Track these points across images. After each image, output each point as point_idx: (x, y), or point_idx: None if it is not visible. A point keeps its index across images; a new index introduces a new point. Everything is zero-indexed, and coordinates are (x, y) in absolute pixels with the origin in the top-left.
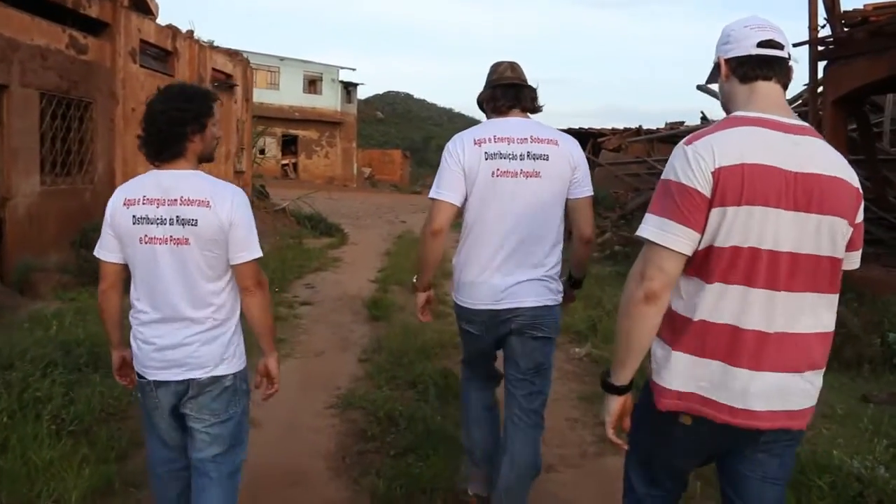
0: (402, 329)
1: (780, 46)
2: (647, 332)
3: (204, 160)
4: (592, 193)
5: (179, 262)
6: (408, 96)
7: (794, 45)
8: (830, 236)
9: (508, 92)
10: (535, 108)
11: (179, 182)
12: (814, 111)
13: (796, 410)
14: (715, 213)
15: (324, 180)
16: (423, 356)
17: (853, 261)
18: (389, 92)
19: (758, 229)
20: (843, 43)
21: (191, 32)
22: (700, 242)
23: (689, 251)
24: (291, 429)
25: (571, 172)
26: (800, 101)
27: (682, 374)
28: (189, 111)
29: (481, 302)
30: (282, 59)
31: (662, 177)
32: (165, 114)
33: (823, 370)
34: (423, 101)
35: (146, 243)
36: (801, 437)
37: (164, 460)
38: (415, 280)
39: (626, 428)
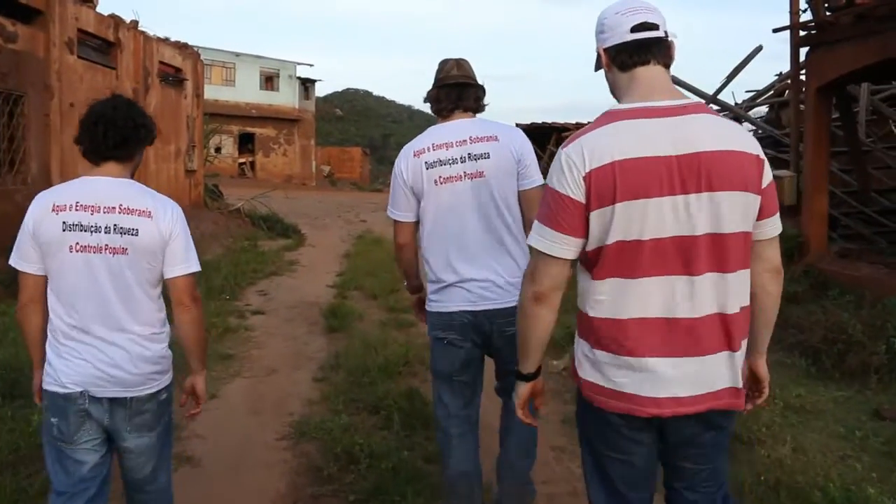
0: (361, 342)
1: (654, 27)
2: (542, 329)
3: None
4: (543, 182)
5: (114, 272)
6: (367, 93)
7: (775, 31)
8: (731, 211)
9: (452, 93)
10: (479, 108)
11: (117, 190)
12: (795, 100)
13: (720, 390)
14: (595, 214)
15: (282, 179)
16: (386, 375)
17: (770, 228)
18: (349, 89)
19: (642, 221)
20: (826, 28)
21: (135, 23)
22: (588, 244)
23: (570, 255)
24: (237, 466)
25: (516, 164)
26: (772, 92)
27: (601, 370)
28: (148, 121)
29: (456, 304)
30: (237, 54)
31: (546, 180)
32: (130, 117)
33: (744, 346)
34: (383, 98)
35: (78, 252)
36: (733, 416)
37: (75, 492)
38: (405, 285)
39: (539, 406)
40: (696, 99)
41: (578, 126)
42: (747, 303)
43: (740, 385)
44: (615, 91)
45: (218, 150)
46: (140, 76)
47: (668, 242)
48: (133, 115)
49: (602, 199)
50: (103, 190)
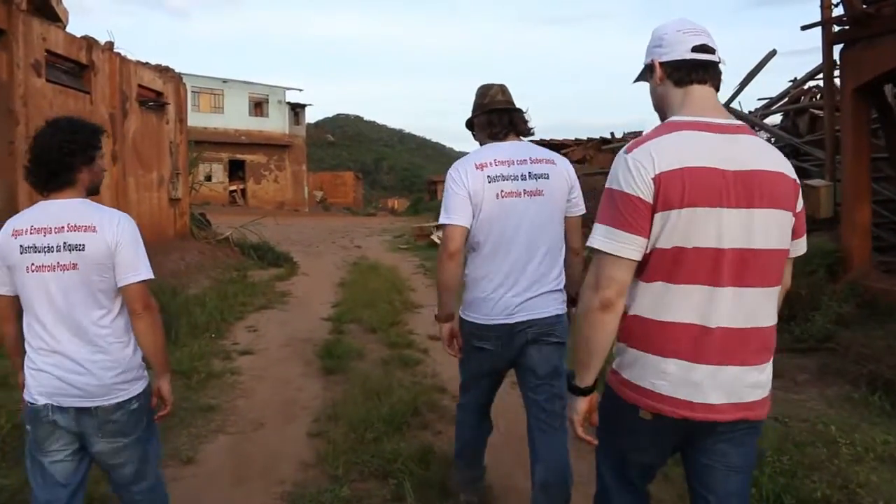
0: (362, 387)
1: (712, 51)
2: (606, 338)
3: (91, 193)
4: (584, 211)
5: (68, 288)
6: (358, 118)
7: (804, 28)
8: (775, 229)
9: (503, 118)
10: (528, 132)
11: (66, 211)
12: (829, 102)
13: (753, 402)
14: (658, 217)
15: (274, 206)
16: (393, 428)
17: (800, 247)
18: (339, 115)
19: (702, 229)
20: (863, 22)
21: (111, 44)
22: (648, 246)
23: (638, 257)
24: None
25: (569, 190)
26: (786, 99)
27: (638, 370)
28: (78, 143)
29: (497, 317)
30: (225, 80)
31: (606, 185)
32: (55, 146)
33: (772, 359)
34: (374, 122)
35: (33, 272)
36: (760, 427)
37: (49, 499)
38: (436, 312)
39: (594, 423)
40: (741, 122)
41: (577, 142)
42: (776, 320)
43: (765, 396)
44: (663, 104)
45: (208, 177)
46: (117, 101)
47: (724, 253)
48: (61, 144)
49: (669, 202)
50: (54, 212)
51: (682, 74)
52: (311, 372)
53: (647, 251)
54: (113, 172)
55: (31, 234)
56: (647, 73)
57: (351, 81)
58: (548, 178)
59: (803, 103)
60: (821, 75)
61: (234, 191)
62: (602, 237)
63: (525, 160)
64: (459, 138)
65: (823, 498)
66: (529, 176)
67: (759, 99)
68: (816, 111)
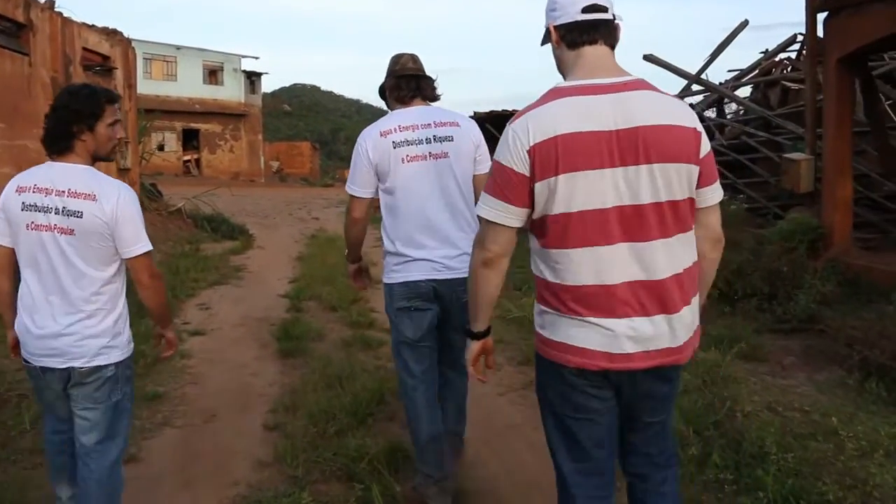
0: (322, 372)
1: (604, 9)
2: (491, 290)
3: (99, 159)
4: None
5: (63, 251)
6: (315, 88)
7: None
8: (669, 181)
9: (411, 83)
10: (435, 97)
11: (69, 175)
12: (811, 73)
13: (668, 348)
14: (539, 185)
15: (229, 176)
16: (356, 420)
17: (712, 195)
18: (296, 84)
19: (584, 192)
20: None
21: (51, 3)
22: (534, 213)
23: (516, 224)
24: None
25: (475, 150)
26: (756, 71)
27: (556, 330)
28: (76, 110)
29: (420, 274)
30: (178, 47)
31: (494, 155)
32: (56, 111)
33: (694, 303)
34: (331, 92)
35: (32, 230)
36: (679, 371)
37: (57, 430)
38: (346, 255)
39: (491, 365)
40: (637, 76)
41: None
42: (690, 264)
43: (683, 342)
44: (561, 67)
45: (161, 147)
46: (59, 64)
47: (610, 212)
48: (60, 110)
49: (545, 171)
50: (58, 175)
51: (574, 36)
52: (266, 355)
53: (538, 217)
54: None
55: (33, 192)
56: (547, 37)
57: (308, 51)
58: (452, 139)
59: (775, 75)
60: (793, 48)
61: (189, 161)
62: (483, 205)
63: (429, 124)
64: None
65: (836, 501)
66: (434, 139)
67: (729, 70)
68: (788, 83)
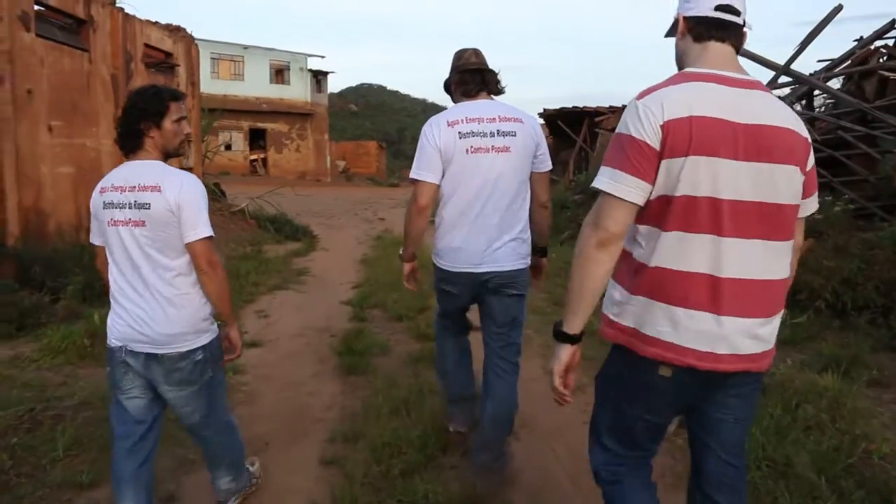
0: (387, 393)
1: (737, 13)
2: (601, 278)
3: (170, 155)
4: (551, 167)
5: (139, 242)
6: (381, 88)
7: None
8: (785, 183)
9: (476, 76)
10: (499, 91)
11: (139, 171)
12: None
13: (755, 353)
14: (665, 164)
15: (295, 175)
16: (426, 457)
17: (812, 205)
18: (363, 84)
19: (709, 179)
20: None
21: None
22: (652, 192)
23: (640, 201)
24: None
25: (535, 148)
26: (848, 62)
27: (652, 322)
28: (142, 109)
29: (462, 265)
30: (245, 47)
31: (616, 130)
32: (126, 112)
33: (779, 316)
34: (397, 92)
35: (112, 226)
36: (762, 379)
37: (125, 434)
38: (401, 252)
39: (571, 386)
40: (757, 79)
41: (612, 110)
42: (787, 275)
43: (768, 349)
44: (682, 58)
45: (228, 146)
46: (120, 61)
47: (731, 204)
48: (126, 108)
49: (675, 149)
50: (131, 172)
51: (701, 30)
52: (326, 371)
53: (655, 198)
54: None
55: (112, 191)
56: (674, 28)
57: (374, 51)
58: (515, 135)
59: (871, 65)
60: (890, 34)
61: (255, 160)
62: (607, 178)
63: (494, 118)
64: None
65: None
66: (498, 133)
67: (819, 61)
68: (887, 73)
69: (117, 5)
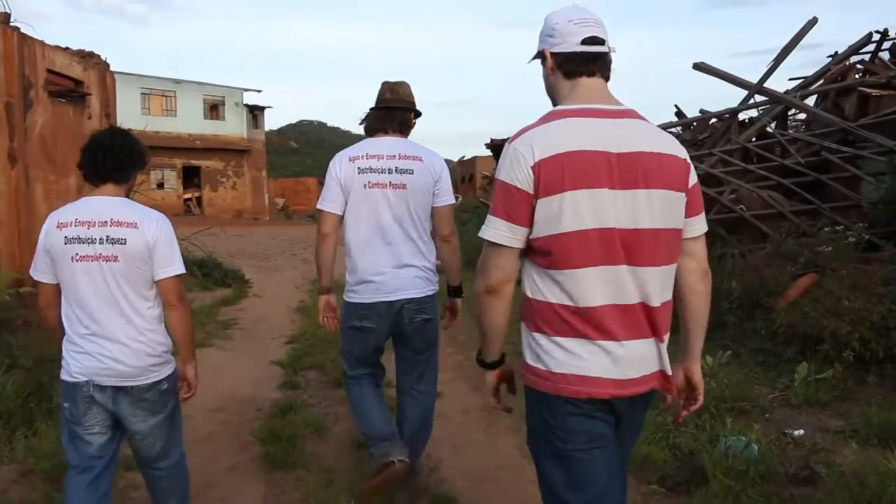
0: (322, 498)
1: (601, 42)
2: (498, 318)
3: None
4: (453, 202)
5: (109, 277)
6: (321, 124)
7: None
8: (663, 209)
9: (381, 115)
10: (404, 131)
11: (110, 207)
12: None
13: (655, 373)
14: (542, 203)
15: (232, 214)
16: None
17: (698, 226)
18: (302, 121)
19: (591, 211)
20: None
21: (5, 16)
22: (536, 232)
23: (518, 245)
24: None
25: (434, 184)
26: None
27: (558, 358)
28: (136, 151)
29: (377, 295)
30: (178, 81)
31: (495, 175)
32: (125, 145)
33: (667, 338)
34: (338, 128)
35: (78, 261)
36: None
37: (85, 468)
38: (318, 285)
39: (514, 391)
40: (630, 107)
41: None
42: (670, 298)
43: (670, 371)
44: (554, 94)
45: (161, 185)
46: (15, 87)
47: (614, 233)
48: (128, 143)
49: (550, 188)
50: (98, 207)
51: (571, 66)
52: (246, 463)
53: (541, 237)
54: (11, 176)
55: (75, 226)
56: (540, 59)
57: (313, 88)
58: (412, 173)
59: (850, 81)
60: (867, 49)
61: (189, 199)
62: (487, 226)
63: (394, 156)
64: (427, 143)
65: None
66: (396, 170)
67: (791, 79)
68: (867, 89)
69: (12, 24)
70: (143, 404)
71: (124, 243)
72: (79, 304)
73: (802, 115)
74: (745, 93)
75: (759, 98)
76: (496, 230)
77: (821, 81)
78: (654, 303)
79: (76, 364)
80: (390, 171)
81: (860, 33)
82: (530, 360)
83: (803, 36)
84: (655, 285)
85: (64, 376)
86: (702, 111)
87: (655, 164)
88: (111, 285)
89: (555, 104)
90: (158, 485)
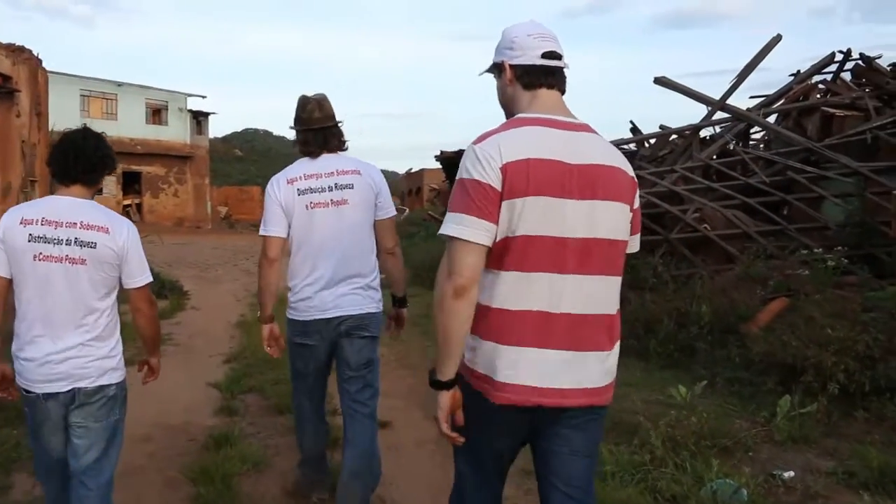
0: None
1: (559, 57)
2: (463, 325)
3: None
4: (395, 213)
5: (72, 279)
6: (267, 133)
7: None
8: (615, 220)
9: (318, 136)
10: (340, 147)
11: (79, 209)
12: None
13: (599, 387)
14: (506, 205)
15: (173, 222)
16: None
17: (634, 244)
18: (248, 129)
19: (547, 218)
20: None
21: None
22: (497, 234)
23: (489, 242)
24: None
25: (375, 197)
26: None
27: (489, 361)
28: (107, 155)
29: (315, 313)
30: (119, 84)
31: (457, 177)
32: (98, 148)
33: (616, 350)
34: (283, 137)
35: (41, 261)
36: (604, 413)
37: (49, 467)
38: (258, 315)
39: (459, 422)
40: (584, 121)
41: None
42: (616, 311)
43: (610, 382)
44: (511, 104)
45: (99, 190)
46: None
47: (567, 242)
48: (100, 146)
49: (514, 191)
50: (66, 208)
51: (531, 78)
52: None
53: (498, 240)
54: None
55: (41, 224)
56: (495, 71)
57: (259, 96)
58: (352, 187)
59: (813, 101)
60: (829, 69)
61: (129, 205)
62: (454, 224)
63: (332, 172)
64: (374, 155)
65: None
66: (336, 187)
67: (752, 97)
68: (831, 109)
69: None
70: (87, 408)
71: (94, 247)
72: (33, 304)
73: (761, 134)
74: (695, 111)
75: (719, 115)
76: (468, 227)
77: (782, 101)
78: (598, 312)
79: (29, 366)
80: (330, 189)
81: (799, 58)
82: (466, 361)
83: (768, 52)
84: (602, 296)
85: (19, 382)
86: (662, 127)
87: (609, 177)
88: (73, 288)
89: (509, 115)
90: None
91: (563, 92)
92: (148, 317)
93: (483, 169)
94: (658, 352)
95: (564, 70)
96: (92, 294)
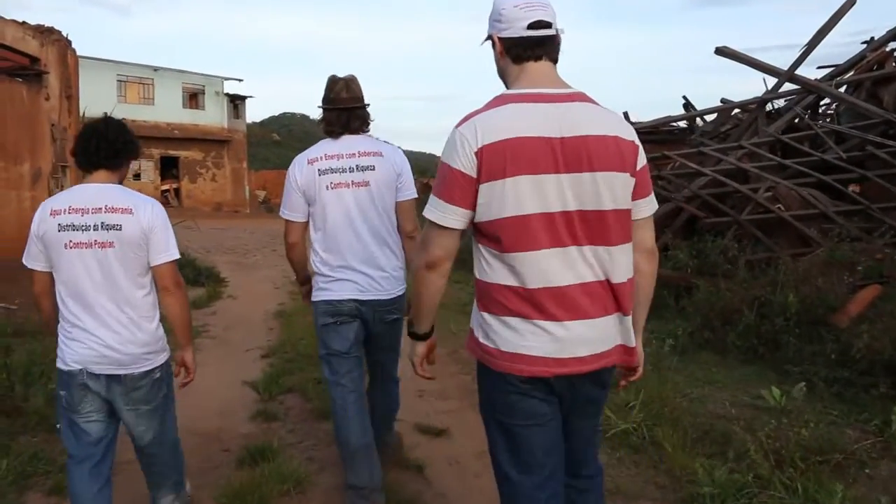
0: None
1: (548, 25)
2: (434, 293)
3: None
4: (415, 196)
5: (104, 264)
6: (304, 117)
7: None
8: (609, 190)
9: (342, 116)
10: (363, 129)
11: (104, 193)
12: None
13: (612, 348)
14: (485, 188)
15: (211, 206)
16: None
17: (646, 207)
18: (285, 113)
19: (534, 195)
20: None
21: None
22: (480, 216)
23: (459, 226)
24: None
25: (396, 178)
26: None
27: (505, 337)
28: (136, 142)
29: (346, 293)
30: (156, 69)
31: (440, 157)
32: (120, 133)
33: (631, 312)
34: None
35: (72, 248)
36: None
37: (85, 457)
38: (295, 278)
39: (433, 362)
40: (578, 90)
41: None
42: (632, 274)
43: (632, 344)
44: (504, 77)
45: (137, 176)
46: None
47: (555, 217)
48: (122, 132)
49: (493, 173)
50: (92, 194)
51: (518, 51)
52: None
53: (485, 221)
54: None
55: (70, 213)
56: (489, 41)
57: (296, 81)
58: (374, 169)
59: (889, 69)
60: None
61: (167, 190)
62: (432, 207)
63: (354, 153)
64: (410, 136)
65: None
66: (357, 168)
67: (819, 67)
68: None
69: None
70: (135, 393)
71: (120, 229)
72: (73, 292)
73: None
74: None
75: (786, 87)
76: (440, 212)
77: (852, 71)
78: (614, 279)
79: (70, 352)
80: (351, 170)
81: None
82: (480, 338)
83: (841, 17)
84: (612, 263)
85: (59, 364)
86: (723, 100)
87: (600, 147)
88: (105, 272)
89: (506, 85)
90: (152, 469)
91: (554, 61)
92: (174, 296)
93: (458, 155)
94: (737, 345)
95: (557, 37)
96: (125, 278)
